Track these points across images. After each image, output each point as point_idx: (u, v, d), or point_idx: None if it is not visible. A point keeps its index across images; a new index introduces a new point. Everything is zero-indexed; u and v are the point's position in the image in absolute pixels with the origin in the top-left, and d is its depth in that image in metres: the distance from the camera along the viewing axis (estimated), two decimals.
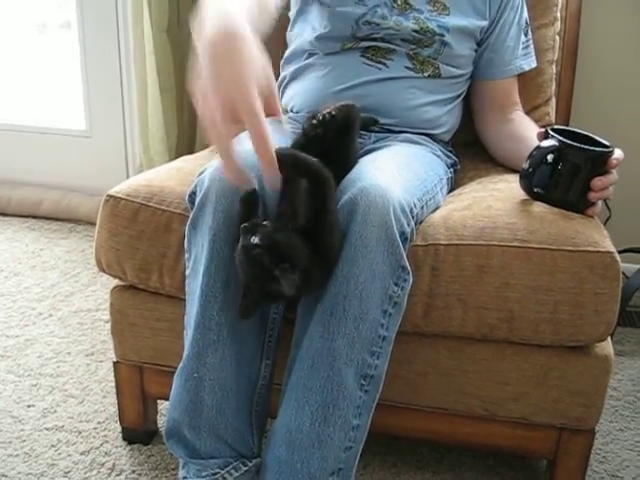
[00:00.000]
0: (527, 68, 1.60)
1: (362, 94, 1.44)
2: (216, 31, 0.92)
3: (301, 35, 1.58)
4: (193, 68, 0.94)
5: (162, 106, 2.29)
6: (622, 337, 1.99)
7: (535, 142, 1.37)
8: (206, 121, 0.91)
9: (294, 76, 1.59)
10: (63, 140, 2.80)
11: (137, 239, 1.29)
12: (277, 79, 1.62)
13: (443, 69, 1.51)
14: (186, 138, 2.41)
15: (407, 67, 1.49)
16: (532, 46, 1.62)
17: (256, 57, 0.94)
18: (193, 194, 1.18)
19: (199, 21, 0.96)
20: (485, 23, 1.53)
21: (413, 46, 1.48)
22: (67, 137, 2.80)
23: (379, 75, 1.48)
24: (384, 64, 1.48)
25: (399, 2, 1.48)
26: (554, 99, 1.71)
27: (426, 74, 1.50)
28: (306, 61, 1.56)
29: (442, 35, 1.47)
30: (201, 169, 1.19)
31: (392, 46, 1.48)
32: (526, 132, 1.50)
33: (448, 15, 1.49)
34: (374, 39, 1.48)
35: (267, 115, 0.93)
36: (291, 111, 1.58)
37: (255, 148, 0.90)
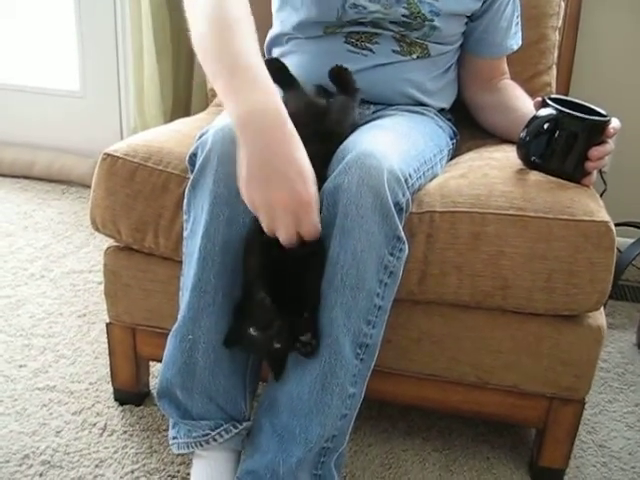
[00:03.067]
0: (516, 47, 1.53)
1: None
2: (264, 120, 0.98)
3: (282, 16, 1.48)
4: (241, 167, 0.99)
5: (158, 69, 2.27)
6: (613, 310, 2.01)
7: (522, 112, 1.36)
8: (261, 211, 0.99)
9: (279, 56, 1.50)
10: (56, 100, 2.77)
11: (133, 199, 1.28)
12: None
13: (432, 48, 1.43)
14: (182, 101, 2.39)
15: (394, 50, 1.41)
16: (520, 22, 1.53)
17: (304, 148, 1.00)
18: (194, 155, 1.17)
19: (241, 110, 0.99)
20: (479, 5, 1.43)
21: (401, 29, 1.39)
22: (60, 97, 2.77)
23: (366, 63, 1.39)
24: (370, 49, 1.39)
25: None
26: (555, 68, 1.69)
27: (414, 56, 1.42)
28: (287, 46, 1.49)
29: (432, 20, 1.38)
30: (202, 131, 1.18)
31: (378, 30, 1.39)
32: (512, 102, 1.48)
33: None
34: (360, 23, 1.39)
35: None
36: None
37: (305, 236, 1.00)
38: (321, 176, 1.09)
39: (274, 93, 1.01)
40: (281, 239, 0.99)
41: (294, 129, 0.99)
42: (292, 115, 1.05)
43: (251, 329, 1.06)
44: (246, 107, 0.98)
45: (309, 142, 1.06)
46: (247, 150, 0.98)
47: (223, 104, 1.04)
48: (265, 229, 1.00)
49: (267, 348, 1.07)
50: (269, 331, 1.05)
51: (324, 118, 1.19)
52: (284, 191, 0.96)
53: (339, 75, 1.29)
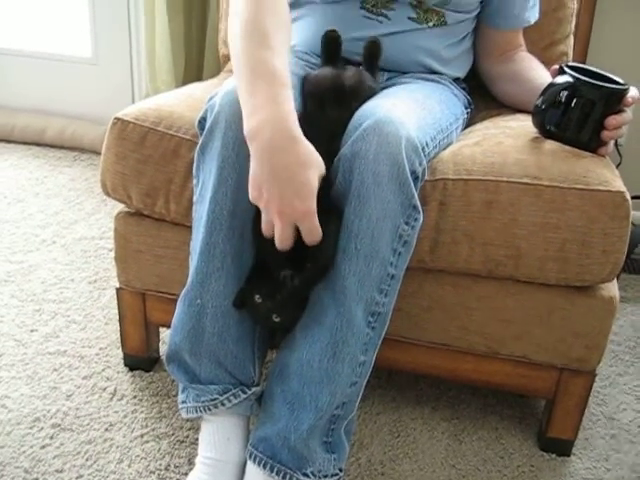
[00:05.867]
0: (533, 21, 1.50)
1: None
2: (271, 133, 0.97)
3: None
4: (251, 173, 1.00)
5: (170, 34, 2.25)
6: (626, 284, 1.99)
7: (538, 82, 1.34)
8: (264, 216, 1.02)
9: (294, 19, 1.46)
10: (68, 67, 2.75)
11: (144, 163, 1.27)
12: None
13: (449, 16, 1.40)
14: (194, 67, 2.37)
15: (410, 18, 1.38)
16: None
17: (310, 157, 0.99)
18: (203, 119, 1.15)
19: (252, 123, 0.99)
20: None
21: None
22: (72, 64, 2.75)
23: (381, 30, 1.36)
24: (385, 16, 1.36)
25: None
26: (572, 38, 1.66)
27: (430, 24, 1.39)
28: (302, 9, 1.45)
29: None
30: (211, 94, 1.16)
31: None
32: (528, 72, 1.45)
33: None
34: None
35: None
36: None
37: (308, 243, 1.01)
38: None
39: (287, 102, 1.01)
40: (276, 242, 1.01)
41: (301, 138, 0.99)
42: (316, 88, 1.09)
43: (256, 296, 1.07)
44: (256, 119, 0.99)
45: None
46: (254, 159, 1.00)
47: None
48: (263, 228, 1.03)
49: (267, 319, 1.09)
50: (271, 302, 1.07)
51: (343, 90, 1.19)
52: (282, 207, 0.98)
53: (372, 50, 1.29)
